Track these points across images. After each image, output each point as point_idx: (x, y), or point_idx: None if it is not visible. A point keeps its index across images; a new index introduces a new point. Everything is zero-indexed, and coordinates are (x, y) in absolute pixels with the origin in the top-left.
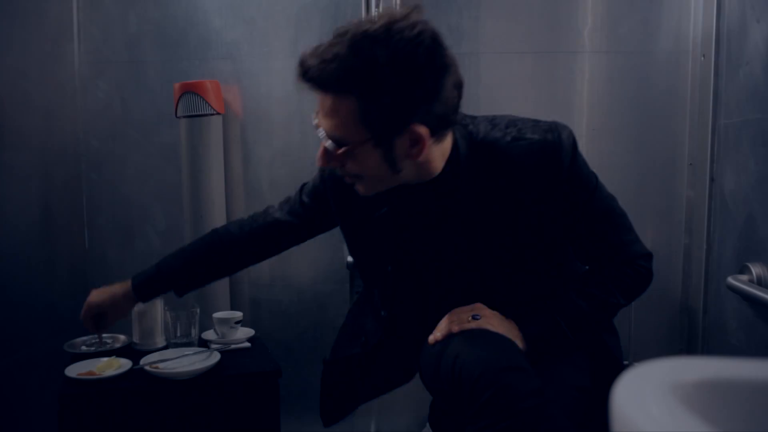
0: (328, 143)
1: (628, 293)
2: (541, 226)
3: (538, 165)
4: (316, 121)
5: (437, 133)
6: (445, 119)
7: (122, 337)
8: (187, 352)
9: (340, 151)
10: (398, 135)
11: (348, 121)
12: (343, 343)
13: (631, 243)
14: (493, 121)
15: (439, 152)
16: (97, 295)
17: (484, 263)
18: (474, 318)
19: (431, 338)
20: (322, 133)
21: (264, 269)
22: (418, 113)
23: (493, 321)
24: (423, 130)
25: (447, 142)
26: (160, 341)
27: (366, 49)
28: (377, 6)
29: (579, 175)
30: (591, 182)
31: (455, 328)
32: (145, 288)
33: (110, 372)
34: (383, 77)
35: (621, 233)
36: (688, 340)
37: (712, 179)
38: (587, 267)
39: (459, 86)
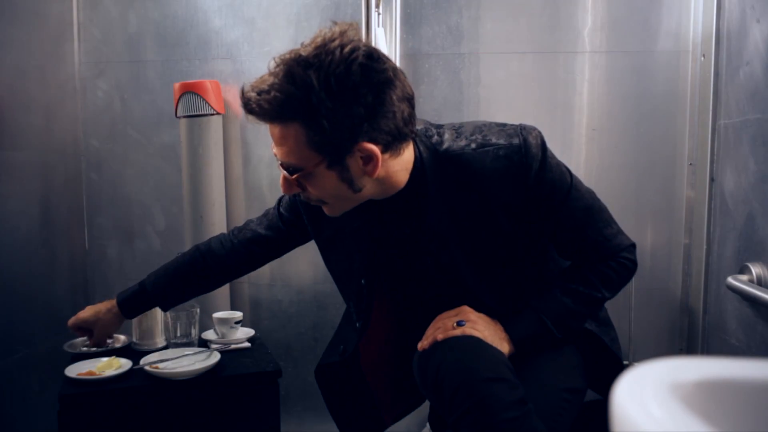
0: (284, 171)
1: (612, 286)
2: (515, 231)
3: (505, 171)
4: (274, 151)
5: (390, 148)
6: (396, 133)
7: (122, 337)
8: (187, 352)
9: (295, 176)
10: (348, 154)
11: (297, 147)
12: (329, 351)
13: (612, 236)
14: (458, 129)
15: (399, 166)
16: (85, 311)
17: (460, 271)
18: (459, 324)
19: (419, 346)
20: (278, 162)
21: (264, 269)
22: (362, 131)
23: (478, 326)
24: (372, 146)
25: (407, 154)
26: (160, 341)
27: (299, 75)
28: (377, 6)
29: (550, 177)
30: (565, 182)
31: (440, 336)
32: (130, 304)
33: (110, 372)
34: (320, 101)
35: (602, 228)
36: (688, 340)
37: (712, 179)
38: (570, 263)
39: (407, 98)
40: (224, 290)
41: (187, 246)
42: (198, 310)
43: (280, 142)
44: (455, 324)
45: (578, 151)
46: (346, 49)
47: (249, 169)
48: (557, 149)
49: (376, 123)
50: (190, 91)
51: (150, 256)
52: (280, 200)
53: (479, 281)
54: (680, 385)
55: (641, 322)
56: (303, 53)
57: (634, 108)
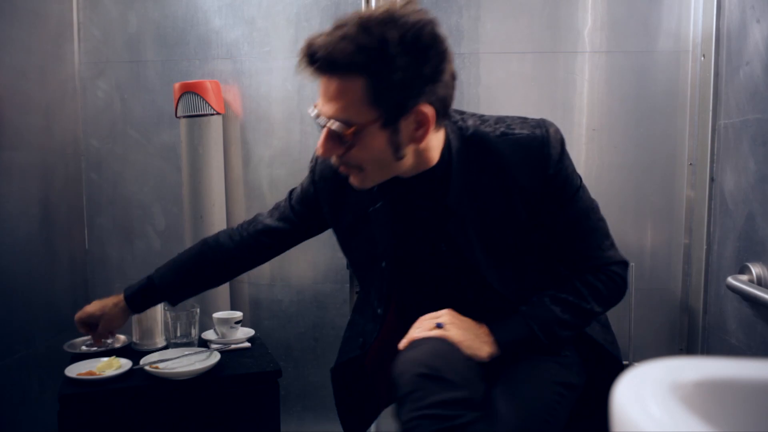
0: (336, 125)
1: (601, 299)
2: (529, 221)
3: (526, 159)
4: (315, 112)
5: (438, 119)
6: (445, 104)
7: (122, 337)
8: (187, 352)
9: (349, 131)
10: (405, 114)
11: (356, 102)
12: (344, 349)
13: (606, 248)
14: (482, 117)
15: (436, 141)
16: (92, 305)
17: (474, 255)
18: (438, 326)
19: (400, 345)
20: (323, 120)
21: (264, 269)
22: (424, 92)
23: (455, 329)
24: (429, 110)
25: (441, 134)
26: (160, 341)
27: (375, 29)
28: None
29: (565, 173)
30: (575, 183)
31: (416, 335)
32: (137, 299)
33: (110, 372)
34: (395, 55)
35: (597, 237)
36: (688, 340)
37: (712, 179)
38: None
39: (454, 78)
40: (224, 290)
41: (187, 246)
42: (198, 310)
43: (336, 96)
44: (434, 325)
45: (578, 151)
46: (417, 15)
47: (249, 169)
48: None
49: (436, 88)
50: (190, 91)
51: (150, 256)
52: (290, 193)
53: (491, 267)
54: (680, 385)
55: (641, 322)
56: (373, 14)
57: (634, 108)
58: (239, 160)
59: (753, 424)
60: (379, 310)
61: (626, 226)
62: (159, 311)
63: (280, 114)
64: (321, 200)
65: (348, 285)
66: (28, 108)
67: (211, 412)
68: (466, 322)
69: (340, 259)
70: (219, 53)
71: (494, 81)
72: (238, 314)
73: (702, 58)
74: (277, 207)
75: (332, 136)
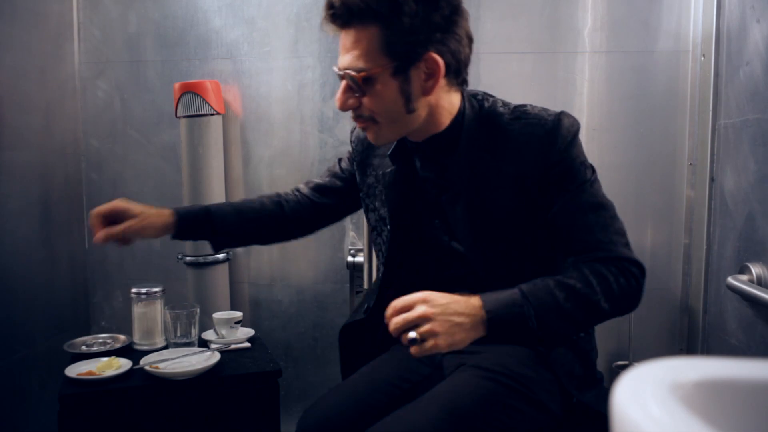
0: (350, 74)
1: (611, 295)
2: (525, 210)
3: (532, 142)
4: (338, 65)
5: (449, 74)
6: (458, 62)
7: (122, 337)
8: (187, 352)
9: (360, 75)
10: (416, 62)
11: (369, 49)
12: (353, 313)
13: (620, 244)
14: (504, 101)
15: (447, 102)
16: (126, 202)
17: (462, 234)
18: (412, 342)
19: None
20: (340, 72)
21: (264, 269)
22: (434, 40)
23: (433, 339)
24: (439, 58)
25: (455, 99)
26: (160, 341)
27: None
28: None
29: (571, 163)
30: (583, 175)
31: (393, 329)
32: (187, 222)
33: (110, 372)
34: (405, 1)
35: (609, 233)
36: (688, 340)
37: (712, 179)
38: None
39: (469, 38)
40: (224, 290)
41: (187, 246)
42: (198, 310)
43: (351, 47)
44: (411, 334)
45: None
46: None
47: (249, 169)
48: None
49: (447, 40)
50: (190, 91)
51: (150, 256)
52: (339, 159)
53: (479, 252)
54: (680, 385)
55: (641, 322)
56: None
57: (634, 108)
58: (239, 160)
59: (753, 424)
60: (380, 274)
61: (626, 226)
62: (159, 311)
63: (280, 114)
64: (354, 160)
65: (348, 285)
66: (28, 108)
67: (211, 412)
68: (445, 305)
69: (340, 259)
70: (219, 53)
71: (494, 81)
72: (238, 314)
73: (702, 58)
74: (325, 172)
75: (348, 88)
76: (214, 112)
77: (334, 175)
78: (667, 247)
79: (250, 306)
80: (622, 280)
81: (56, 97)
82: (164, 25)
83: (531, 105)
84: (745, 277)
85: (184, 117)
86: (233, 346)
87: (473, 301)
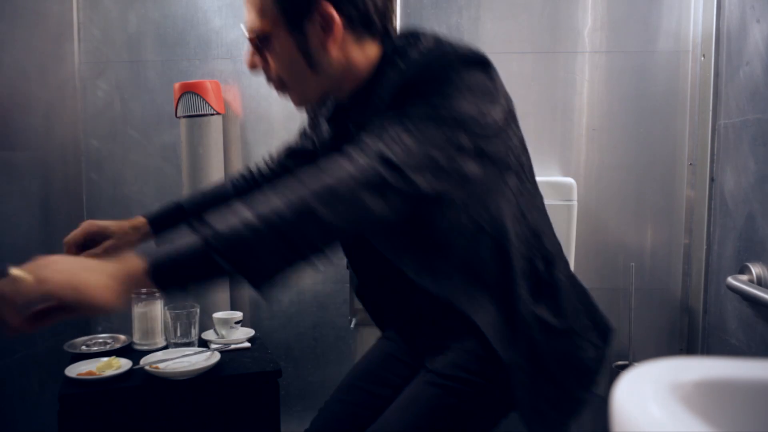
0: (250, 33)
1: (332, 198)
2: None
3: (414, 79)
4: (243, 28)
5: (353, 26)
6: (363, 14)
7: (122, 337)
8: (187, 352)
9: (258, 37)
10: (309, 15)
11: (264, 7)
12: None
13: (391, 143)
14: (449, 41)
15: (360, 55)
16: (98, 222)
17: None
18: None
19: None
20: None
21: None
22: None
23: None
24: (332, 10)
25: (371, 51)
26: (160, 341)
27: None
28: None
29: (428, 97)
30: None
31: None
32: (161, 224)
33: (110, 372)
34: None
35: (398, 133)
36: (688, 340)
37: (712, 179)
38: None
39: None
40: (224, 290)
41: None
42: (198, 310)
43: (251, 5)
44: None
45: (578, 151)
46: None
47: None
48: (557, 149)
49: None
50: (190, 91)
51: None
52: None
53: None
54: (680, 385)
55: (641, 322)
56: None
57: (634, 108)
58: (239, 160)
59: (753, 424)
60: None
61: (626, 226)
62: (159, 311)
63: (280, 114)
64: (310, 125)
65: (348, 285)
66: (28, 108)
67: (211, 412)
68: (69, 260)
69: (340, 259)
70: (219, 53)
71: None
72: (238, 314)
73: (702, 58)
74: (297, 132)
75: (253, 49)
76: (214, 112)
77: (305, 135)
78: (667, 247)
79: (250, 306)
80: (360, 177)
81: (56, 97)
82: (164, 25)
83: (456, 39)
84: (745, 277)
85: (184, 117)
86: (233, 346)
87: (127, 257)
